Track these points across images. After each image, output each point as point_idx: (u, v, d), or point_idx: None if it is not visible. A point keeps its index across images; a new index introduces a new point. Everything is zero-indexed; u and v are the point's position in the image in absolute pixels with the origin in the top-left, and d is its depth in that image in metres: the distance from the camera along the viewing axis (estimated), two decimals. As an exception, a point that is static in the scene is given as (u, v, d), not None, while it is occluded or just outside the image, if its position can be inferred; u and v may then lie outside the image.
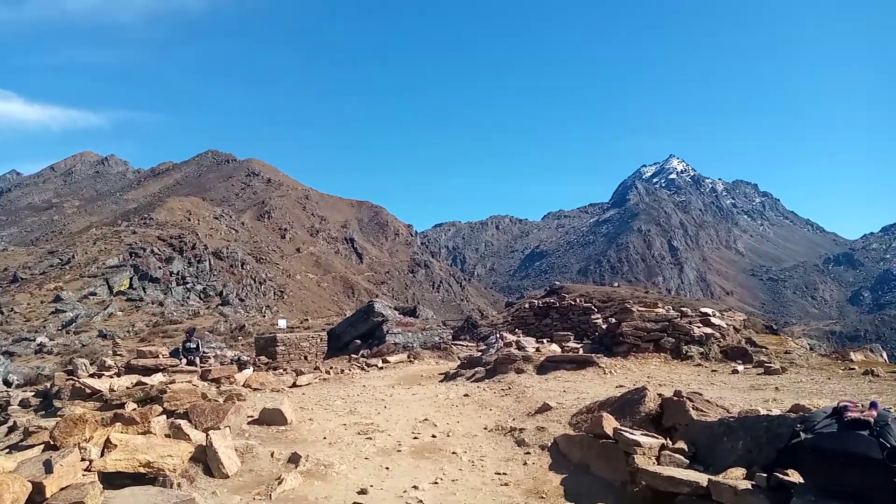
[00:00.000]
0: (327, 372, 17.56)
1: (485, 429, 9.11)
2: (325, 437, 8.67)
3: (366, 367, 18.77)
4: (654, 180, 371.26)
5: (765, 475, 4.80)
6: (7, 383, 25.65)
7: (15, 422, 9.86)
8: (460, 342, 25.90)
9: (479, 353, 17.80)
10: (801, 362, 13.48)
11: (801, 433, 4.46)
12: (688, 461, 6.08)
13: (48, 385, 13.46)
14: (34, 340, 41.10)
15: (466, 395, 11.87)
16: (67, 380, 11.51)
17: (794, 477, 4.59)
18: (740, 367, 12.61)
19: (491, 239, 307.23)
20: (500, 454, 7.93)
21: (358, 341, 26.52)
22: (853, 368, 12.58)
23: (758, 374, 12.00)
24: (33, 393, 13.42)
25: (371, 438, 8.63)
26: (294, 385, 14.11)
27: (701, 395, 7.68)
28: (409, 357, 20.88)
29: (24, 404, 12.46)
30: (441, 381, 15.13)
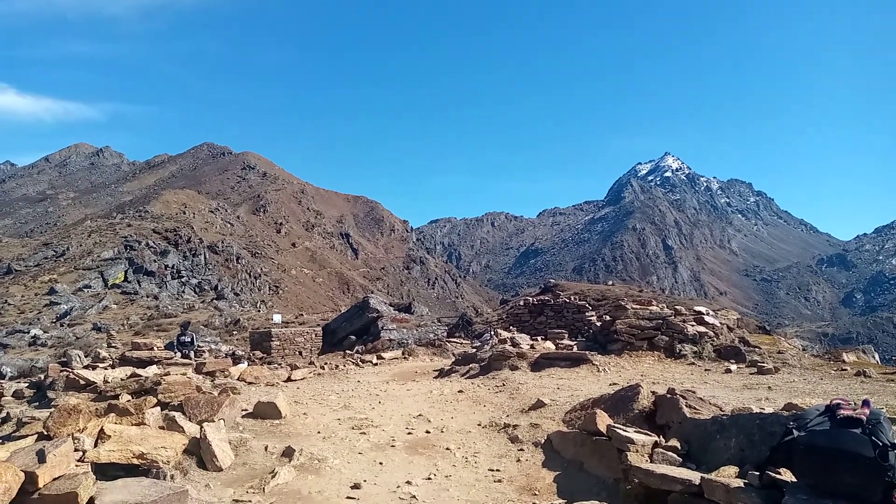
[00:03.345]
0: (322, 367, 17.59)
1: (478, 425, 9.12)
2: (319, 432, 8.67)
3: (360, 363, 18.79)
4: (650, 178, 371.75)
5: (757, 473, 4.80)
6: (0, 375, 25.58)
7: (8, 413, 9.83)
8: (455, 339, 25.92)
9: (474, 350, 17.82)
10: (793, 362, 13.52)
11: (794, 431, 4.46)
12: (680, 459, 6.10)
13: (42, 377, 13.41)
14: (28, 333, 41.05)
15: (461, 392, 11.89)
16: (61, 371, 11.48)
17: (787, 475, 4.60)
18: (733, 367, 12.65)
19: (486, 236, 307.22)
20: (493, 450, 7.95)
21: (353, 337, 26.58)
22: (845, 369, 12.62)
23: (751, 374, 12.03)
24: (27, 384, 13.38)
25: (365, 433, 8.64)
26: (289, 379, 14.12)
27: (694, 392, 7.71)
28: (403, 353, 20.89)
29: (17, 395, 12.42)
30: (435, 377, 15.14)
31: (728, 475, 5.26)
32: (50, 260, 64.58)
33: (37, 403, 11.10)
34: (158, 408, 7.75)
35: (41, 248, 70.17)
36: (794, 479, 4.50)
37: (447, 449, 7.96)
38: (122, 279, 59.52)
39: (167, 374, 10.12)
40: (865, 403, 4.38)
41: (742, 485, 4.85)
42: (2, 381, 17.33)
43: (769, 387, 10.11)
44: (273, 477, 6.52)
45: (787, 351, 15.31)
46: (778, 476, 4.63)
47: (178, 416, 7.50)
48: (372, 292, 79.95)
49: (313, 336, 25.48)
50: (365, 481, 6.71)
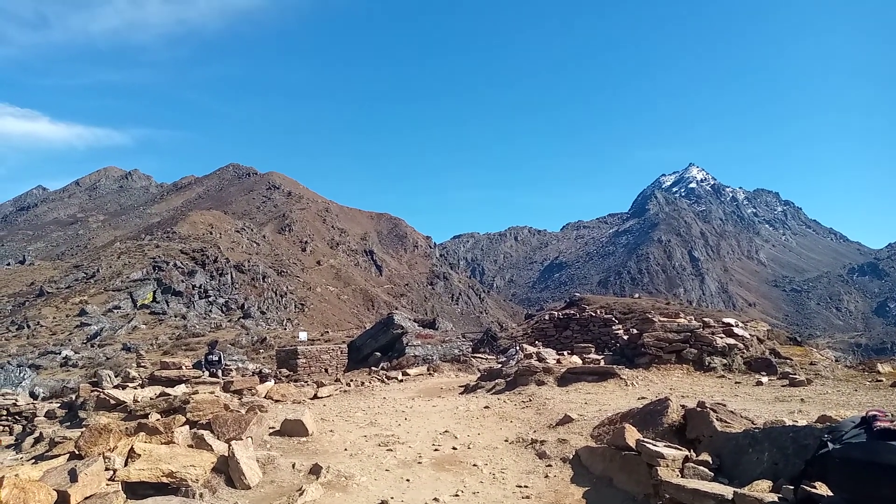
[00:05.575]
0: (348, 384, 17.60)
1: (506, 441, 9.05)
2: (345, 449, 8.68)
3: (386, 380, 18.76)
4: (674, 189, 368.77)
5: (791, 488, 4.70)
6: (33, 396, 25.98)
7: (41, 433, 10.01)
8: (480, 355, 25.80)
9: (500, 365, 17.71)
10: (826, 374, 13.24)
11: (829, 443, 4.35)
12: (712, 473, 5.99)
13: (73, 397, 13.63)
14: (60, 353, 41.74)
15: (487, 407, 11.81)
16: (92, 391, 11.66)
17: (822, 489, 4.49)
18: (764, 379, 12.42)
19: (510, 250, 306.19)
20: (521, 467, 7.87)
21: (378, 354, 26.57)
22: (881, 380, 12.33)
23: (783, 386, 11.81)
24: (59, 405, 13.60)
25: (392, 450, 8.62)
26: (315, 397, 14.17)
27: (725, 406, 7.57)
28: (428, 369, 20.84)
29: (49, 416, 12.64)
30: (461, 393, 15.07)
31: (761, 490, 5.15)
32: (81, 282, 65.78)
33: (68, 423, 11.28)
34: (187, 426, 7.82)
35: (72, 270, 71.55)
36: (829, 493, 4.39)
37: (474, 465, 7.91)
38: (151, 299, 60.39)
39: (195, 392, 10.23)
40: (902, 414, 4.27)
41: (776, 499, 4.76)
42: (34, 401, 17.63)
43: (802, 399, 9.91)
44: (301, 494, 6.53)
45: (819, 362, 15.00)
46: (813, 490, 4.52)
47: (206, 434, 7.56)
48: (396, 309, 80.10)
49: (339, 353, 25.53)
50: (392, 498, 6.69)
